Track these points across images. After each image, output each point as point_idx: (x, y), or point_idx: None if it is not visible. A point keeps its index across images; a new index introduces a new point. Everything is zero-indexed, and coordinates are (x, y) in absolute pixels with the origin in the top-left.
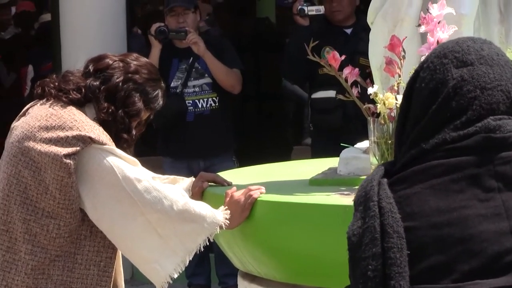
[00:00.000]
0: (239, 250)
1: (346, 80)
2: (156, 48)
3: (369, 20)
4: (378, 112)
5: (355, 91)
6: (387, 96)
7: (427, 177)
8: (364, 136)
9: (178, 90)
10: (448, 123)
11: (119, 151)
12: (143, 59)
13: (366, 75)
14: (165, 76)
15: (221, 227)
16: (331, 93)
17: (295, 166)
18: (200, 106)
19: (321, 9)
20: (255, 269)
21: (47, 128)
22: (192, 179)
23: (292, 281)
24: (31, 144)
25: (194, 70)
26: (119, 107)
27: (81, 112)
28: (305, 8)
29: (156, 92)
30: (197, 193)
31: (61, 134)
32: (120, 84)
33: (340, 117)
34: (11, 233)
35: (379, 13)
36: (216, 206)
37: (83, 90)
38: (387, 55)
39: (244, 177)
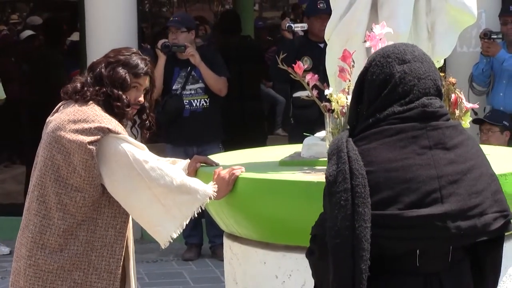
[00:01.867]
0: (224, 216)
1: (308, 84)
2: (162, 59)
3: (326, 37)
4: (332, 109)
5: (315, 92)
6: (340, 97)
7: (381, 137)
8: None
9: (178, 92)
10: (396, 102)
11: (130, 139)
12: (120, 47)
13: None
14: (168, 81)
15: (210, 198)
16: (308, 93)
17: (268, 151)
18: (194, 105)
19: (305, 26)
20: (237, 231)
21: (75, 121)
22: (188, 160)
23: (266, 240)
24: (62, 133)
25: (191, 77)
26: (106, 85)
27: (101, 108)
28: (292, 25)
29: (133, 59)
30: (192, 172)
31: (86, 125)
32: (103, 69)
33: (316, 111)
34: (47, 204)
35: (334, 31)
36: (206, 182)
37: (84, 88)
38: (340, 65)
39: (229, 160)
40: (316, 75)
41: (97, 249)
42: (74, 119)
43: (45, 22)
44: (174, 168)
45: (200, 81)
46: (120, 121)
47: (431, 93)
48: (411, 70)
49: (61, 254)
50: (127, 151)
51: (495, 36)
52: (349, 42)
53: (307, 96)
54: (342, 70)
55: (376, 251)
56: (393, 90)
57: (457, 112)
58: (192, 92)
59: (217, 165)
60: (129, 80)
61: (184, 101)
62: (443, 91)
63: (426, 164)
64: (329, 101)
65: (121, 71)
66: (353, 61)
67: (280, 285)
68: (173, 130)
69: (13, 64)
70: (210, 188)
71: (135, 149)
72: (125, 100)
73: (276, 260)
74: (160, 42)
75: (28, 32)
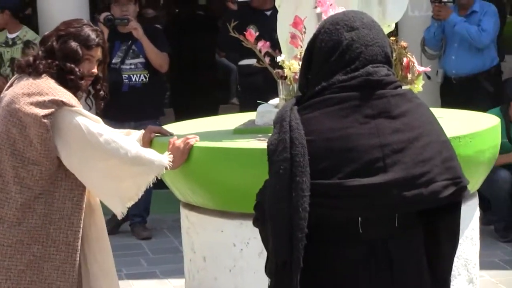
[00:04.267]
0: (180, 186)
1: (260, 51)
2: (104, 33)
3: (276, 4)
4: (285, 75)
5: (267, 60)
6: (292, 63)
7: (323, 106)
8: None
9: (117, 66)
10: (342, 69)
11: (85, 112)
12: (71, 19)
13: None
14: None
15: (166, 168)
16: (253, 61)
17: (222, 120)
18: (134, 80)
19: None
20: (193, 200)
21: (29, 95)
22: (142, 131)
23: (221, 208)
24: (17, 107)
25: (131, 51)
26: (58, 58)
27: (54, 81)
28: None
29: (84, 31)
30: (146, 143)
31: (40, 98)
32: (55, 42)
33: (261, 79)
34: (3, 177)
35: None
36: (161, 152)
37: (36, 61)
38: (292, 31)
39: (183, 129)
40: (268, 42)
41: (55, 221)
42: (28, 92)
43: None
44: (129, 140)
45: (141, 55)
46: (74, 93)
47: (379, 60)
48: (358, 37)
49: (19, 227)
50: (81, 124)
51: (445, 0)
52: (300, 8)
53: (259, 63)
54: (293, 36)
55: (317, 220)
56: (340, 56)
57: (409, 76)
58: (132, 66)
59: (171, 135)
60: (81, 52)
61: (124, 75)
62: (393, 57)
63: (369, 133)
64: (281, 67)
65: (73, 43)
66: (305, 27)
67: (238, 253)
68: (111, 104)
69: None
70: (165, 158)
71: (90, 122)
72: (78, 73)
73: (233, 228)
74: (103, 15)
75: None
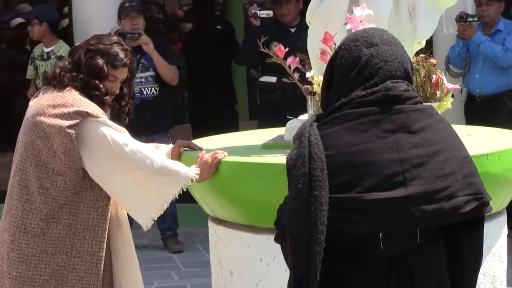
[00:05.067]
0: (208, 200)
1: (289, 67)
2: None
3: (307, 20)
4: (314, 91)
5: (296, 76)
6: (321, 79)
7: (342, 121)
8: (299, 111)
9: None
10: (361, 85)
11: (110, 122)
12: (103, 34)
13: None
14: None
15: (192, 180)
16: (273, 79)
17: (251, 135)
18: (145, 93)
19: (270, 13)
20: (221, 214)
21: (54, 106)
22: (171, 145)
23: (249, 223)
24: (42, 118)
25: (141, 64)
26: (84, 72)
27: (79, 93)
28: (258, 12)
29: (113, 50)
30: (175, 157)
31: (65, 110)
32: (83, 56)
33: (279, 96)
34: (28, 188)
35: (315, 14)
36: (190, 166)
37: (61, 73)
38: (322, 47)
39: (212, 144)
40: (298, 58)
41: (79, 232)
42: (53, 104)
43: None
44: (155, 151)
45: (151, 69)
46: (100, 106)
47: (398, 75)
48: (378, 53)
49: (43, 237)
50: (107, 135)
51: (471, 19)
52: (330, 24)
53: (289, 79)
54: (323, 52)
55: (337, 234)
56: (359, 73)
57: (438, 93)
58: (143, 80)
59: (200, 149)
60: (106, 70)
61: (135, 89)
62: (413, 74)
63: (388, 148)
64: (310, 83)
65: (100, 61)
66: (335, 44)
67: (265, 267)
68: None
69: (3, 52)
70: (192, 171)
71: (115, 132)
72: (103, 89)
73: (261, 243)
74: (113, 30)
75: (19, 20)
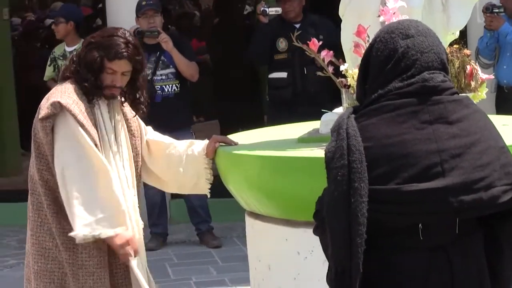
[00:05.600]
0: (245, 195)
1: (323, 60)
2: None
3: (340, 13)
4: (348, 84)
5: (330, 69)
6: (355, 72)
7: (380, 113)
8: (310, 106)
9: (149, 78)
10: (398, 77)
11: (81, 118)
12: (111, 27)
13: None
14: None
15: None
16: (283, 74)
17: (287, 129)
18: (166, 90)
19: (279, 10)
20: (258, 209)
21: (47, 99)
22: (207, 141)
23: (286, 217)
24: (40, 111)
25: (160, 62)
26: (81, 64)
27: (75, 86)
28: (267, 9)
29: (110, 42)
30: (211, 152)
31: (45, 102)
32: (84, 48)
33: (290, 92)
34: (34, 181)
35: (348, 7)
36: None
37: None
38: (355, 40)
39: (247, 138)
40: (332, 51)
41: None
42: (47, 97)
43: None
44: (94, 180)
45: (171, 66)
46: (91, 100)
47: (435, 66)
48: (414, 44)
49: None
50: (72, 131)
51: (497, 10)
52: (363, 17)
53: (323, 72)
54: (357, 45)
55: (376, 226)
56: (396, 64)
57: (472, 83)
58: (163, 77)
59: (236, 144)
60: (100, 63)
61: (156, 86)
62: (449, 64)
63: (426, 139)
64: (344, 76)
65: (95, 53)
66: (368, 36)
67: (302, 261)
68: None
69: (37, 50)
70: (96, 229)
71: (75, 145)
72: (93, 82)
73: (298, 236)
74: (132, 28)
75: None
